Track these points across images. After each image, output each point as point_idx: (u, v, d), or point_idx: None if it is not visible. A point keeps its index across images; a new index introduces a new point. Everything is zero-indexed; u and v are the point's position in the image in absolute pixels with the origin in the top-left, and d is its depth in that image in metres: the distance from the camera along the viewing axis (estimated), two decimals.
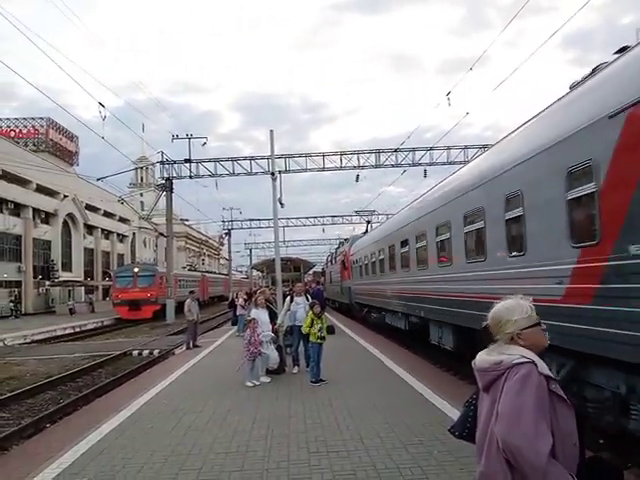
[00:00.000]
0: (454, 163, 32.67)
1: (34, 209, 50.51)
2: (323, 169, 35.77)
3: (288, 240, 70.43)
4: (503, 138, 8.92)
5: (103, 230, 66.16)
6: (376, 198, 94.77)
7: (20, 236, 48.84)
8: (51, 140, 61.53)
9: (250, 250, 75.02)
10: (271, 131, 13.45)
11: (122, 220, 70.93)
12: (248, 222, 58.98)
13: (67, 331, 31.53)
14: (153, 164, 40.64)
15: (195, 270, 63.69)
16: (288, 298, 11.59)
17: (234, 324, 23.41)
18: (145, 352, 19.02)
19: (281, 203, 14.52)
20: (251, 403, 8.17)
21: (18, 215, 48.72)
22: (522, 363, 2.10)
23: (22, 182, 47.78)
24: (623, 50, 5.82)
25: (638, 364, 4.79)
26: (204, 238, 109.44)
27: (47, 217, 53.84)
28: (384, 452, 5.53)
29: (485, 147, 30.12)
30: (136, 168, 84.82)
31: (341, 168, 35.69)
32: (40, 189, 50.96)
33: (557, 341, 5.61)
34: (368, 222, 37.98)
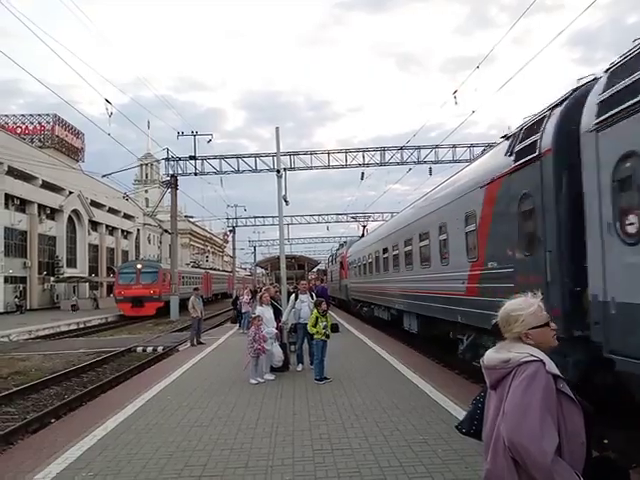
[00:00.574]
0: (459, 161, 32.61)
1: (39, 205, 50.68)
2: (328, 167, 35.76)
3: (292, 238, 70.45)
4: (436, 187, 13.45)
5: (108, 226, 66.34)
6: (381, 196, 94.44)
7: (25, 232, 49.03)
8: (57, 136, 61.69)
9: (254, 247, 75.12)
10: (277, 128, 13.41)
11: (127, 217, 71.10)
12: (252, 219, 59.02)
13: (72, 327, 31.68)
14: (158, 161, 40.75)
15: (199, 267, 63.68)
16: (293, 296, 11.59)
17: (234, 322, 23.15)
18: (149, 349, 19.05)
19: (286, 201, 14.46)
20: (255, 400, 8.18)
21: (24, 211, 48.90)
22: (530, 361, 2.10)
23: (28, 178, 47.95)
24: (505, 137, 8.53)
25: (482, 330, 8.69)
26: (208, 235, 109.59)
27: (52, 213, 54.02)
28: (388, 450, 5.53)
29: (491, 145, 30.05)
30: (141, 165, 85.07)
31: (346, 166, 35.68)
32: (46, 185, 51.12)
33: (464, 320, 9.78)
34: (364, 227, 41.38)
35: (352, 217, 51.60)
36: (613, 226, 5.41)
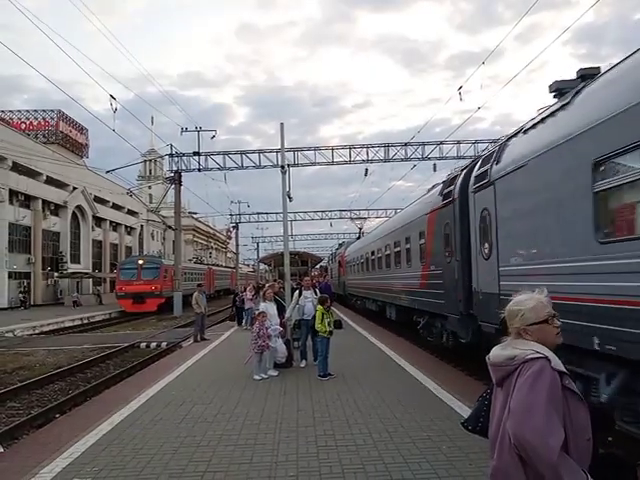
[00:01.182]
0: (464, 157, 32.48)
1: (43, 201, 50.74)
2: (332, 163, 35.68)
3: (296, 234, 70.52)
4: (406, 206, 18.23)
5: (111, 222, 66.40)
6: (385, 193, 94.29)
7: (30, 227, 49.13)
8: (61, 132, 61.73)
9: (257, 244, 75.13)
10: (281, 124, 13.37)
11: (130, 212, 71.16)
12: (256, 216, 58.96)
13: (75, 323, 31.77)
14: (162, 157, 40.70)
15: (201, 263, 63.52)
16: (297, 292, 11.59)
17: (232, 319, 22.53)
18: (153, 344, 19.11)
19: (290, 197, 14.44)
20: (259, 396, 8.20)
21: (28, 207, 48.99)
22: (535, 358, 2.09)
23: (32, 174, 48.00)
24: (442, 182, 12.39)
25: (443, 315, 11.43)
26: (212, 231, 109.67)
27: (56, 209, 54.09)
28: (393, 447, 5.54)
29: (495, 141, 29.99)
30: (145, 161, 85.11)
31: (350, 162, 35.58)
32: (50, 181, 51.18)
33: (418, 306, 13.70)
34: (360, 229, 44.41)
35: (350, 218, 54.19)
36: (479, 249, 9.09)
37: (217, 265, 78.99)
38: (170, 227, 41.06)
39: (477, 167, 9.35)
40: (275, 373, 9.99)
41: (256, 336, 9.81)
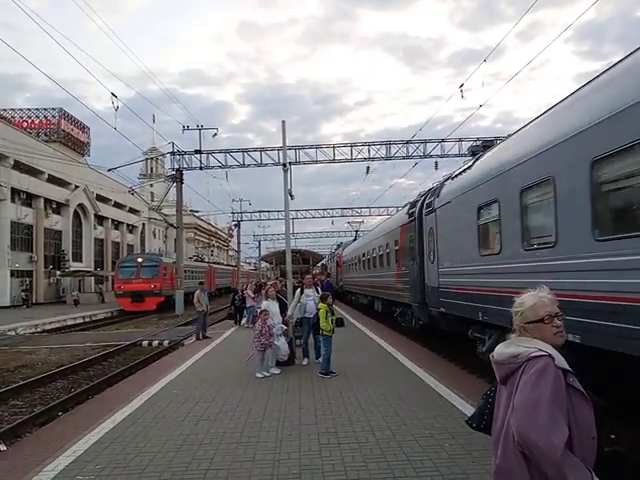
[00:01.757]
0: (465, 155, 32.38)
1: (45, 199, 50.80)
2: (333, 161, 35.69)
3: (297, 232, 70.53)
4: (388, 218, 24.63)
5: (113, 221, 66.49)
6: (386, 191, 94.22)
7: (32, 226, 49.20)
8: (63, 131, 61.79)
9: (259, 242, 75.17)
10: (283, 122, 13.37)
11: (132, 211, 71.22)
12: (257, 214, 58.98)
13: (77, 321, 31.83)
14: (163, 155, 40.67)
15: (202, 261, 63.13)
16: (298, 290, 11.59)
17: (231, 318, 22.01)
18: (155, 342, 19.14)
19: (291, 195, 14.44)
20: (261, 394, 8.21)
21: (30, 205, 49.06)
22: (539, 356, 2.09)
23: (34, 172, 48.04)
24: (410, 203, 16.04)
25: (410, 304, 15.15)
26: (213, 229, 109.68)
27: (58, 207, 54.16)
28: (395, 444, 5.54)
29: (497, 139, 29.90)
30: (146, 159, 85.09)
31: (351, 160, 35.58)
32: (52, 179, 51.22)
33: (395, 299, 17.60)
34: (356, 231, 47.92)
35: (348, 222, 57.96)
36: (428, 255, 12.62)
37: (218, 263, 78.81)
38: (172, 225, 41.04)
39: (427, 197, 13.18)
40: (277, 371, 9.99)
41: (258, 334, 9.81)
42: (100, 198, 60.94)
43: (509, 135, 9.21)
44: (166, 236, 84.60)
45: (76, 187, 55.44)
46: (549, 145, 6.76)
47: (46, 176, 50.10)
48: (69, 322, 30.64)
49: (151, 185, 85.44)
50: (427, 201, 12.90)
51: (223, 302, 45.58)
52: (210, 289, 50.72)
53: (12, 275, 45.61)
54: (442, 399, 7.42)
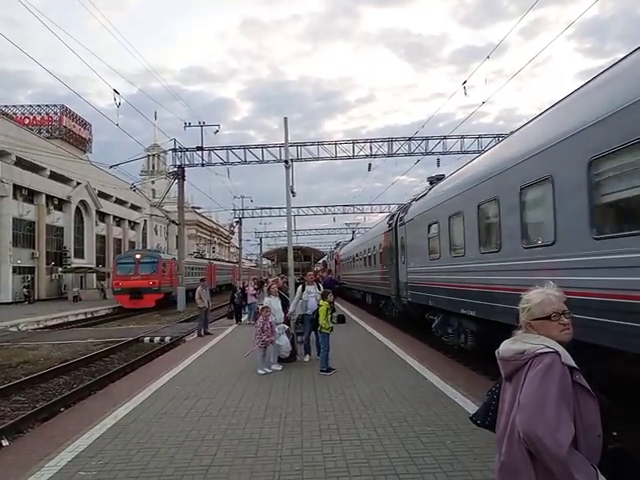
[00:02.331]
0: (468, 152, 32.43)
1: (47, 196, 50.88)
2: (335, 158, 35.65)
3: (299, 229, 70.41)
4: (374, 226, 28.29)
5: (115, 217, 66.57)
6: (388, 188, 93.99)
7: (33, 222, 49.28)
8: (65, 127, 61.84)
9: (260, 239, 75.18)
10: (285, 118, 13.37)
11: (134, 207, 71.31)
12: (259, 211, 58.96)
13: (79, 317, 31.91)
14: (165, 152, 40.71)
15: (202, 257, 62.67)
16: (300, 287, 11.59)
17: (230, 317, 21.38)
18: (157, 339, 19.18)
19: (293, 192, 14.45)
20: (263, 390, 8.21)
21: (32, 202, 49.13)
22: (545, 353, 2.07)
23: (36, 169, 48.10)
24: (391, 215, 20.37)
25: (386, 296, 19.82)
26: (215, 226, 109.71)
27: (60, 204, 54.24)
28: (397, 441, 5.54)
29: (499, 136, 29.91)
30: (148, 155, 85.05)
31: (353, 157, 35.54)
32: (53, 176, 51.28)
33: (381, 293, 21.07)
34: (353, 232, 51.76)
35: (346, 224, 63.59)
36: (401, 257, 16.32)
37: (219, 260, 78.62)
38: (173, 222, 41.01)
39: (400, 212, 17.18)
40: (279, 367, 10.00)
41: (260, 331, 9.81)
42: (102, 195, 61.01)
43: (456, 170, 12.32)
44: (168, 233, 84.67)
45: (78, 184, 55.50)
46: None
47: (48, 173, 50.15)
48: (71, 318, 30.72)
49: (152, 182, 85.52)
50: (400, 215, 16.80)
51: (224, 299, 45.49)
52: (210, 286, 50.56)
53: (14, 271, 45.70)
54: (444, 396, 7.41)
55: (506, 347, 2.26)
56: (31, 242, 49.00)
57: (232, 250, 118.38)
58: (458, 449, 5.24)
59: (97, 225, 61.48)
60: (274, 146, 34.45)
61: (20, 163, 45.59)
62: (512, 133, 9.11)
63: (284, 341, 10.31)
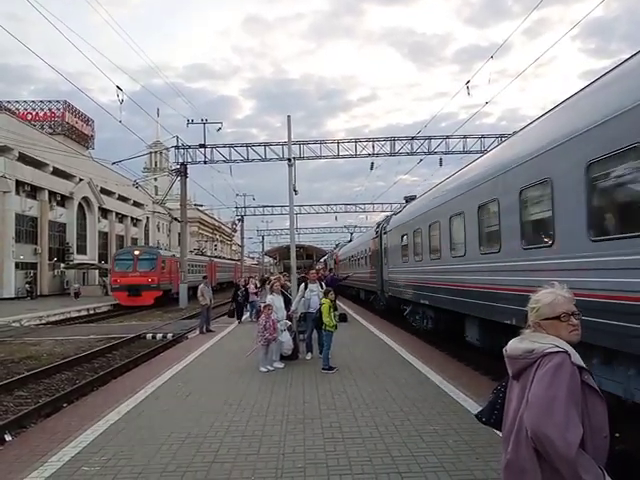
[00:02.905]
0: (470, 152, 32.39)
1: (50, 192, 50.94)
2: (338, 156, 35.65)
3: (301, 227, 70.49)
4: (364, 233, 37.17)
5: (117, 214, 66.62)
6: (391, 187, 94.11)
7: (36, 218, 49.37)
8: (67, 123, 61.89)
9: (262, 237, 75.20)
10: (288, 117, 13.37)
11: (136, 204, 71.36)
12: (261, 209, 59.02)
13: (82, 313, 31.96)
14: (168, 149, 40.71)
15: (203, 254, 62.12)
16: (302, 285, 11.60)
17: (231, 315, 20.77)
18: (159, 335, 19.20)
19: (295, 190, 14.45)
20: (265, 388, 8.23)
21: (34, 197, 49.20)
22: (555, 352, 2.07)
23: (39, 165, 48.17)
24: (378, 224, 24.48)
25: (374, 292, 24.22)
26: (217, 224, 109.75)
27: (63, 200, 54.30)
28: (399, 440, 5.54)
29: (502, 136, 29.90)
30: (150, 152, 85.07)
31: (356, 155, 35.55)
32: (56, 172, 51.35)
33: (370, 289, 25.46)
34: (351, 233, 58.35)
35: (345, 226, 69.00)
36: (383, 260, 20.69)
37: (220, 257, 78.32)
38: (176, 219, 41.01)
39: (384, 222, 21.19)
40: (281, 365, 10.01)
41: (262, 328, 9.82)
42: (104, 191, 61.08)
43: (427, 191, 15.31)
44: (170, 230, 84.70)
45: (80, 180, 55.57)
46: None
47: (50, 169, 50.23)
48: (73, 314, 30.78)
49: (155, 179, 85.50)
50: (384, 225, 20.99)
51: (226, 296, 45.35)
52: (211, 283, 50.11)
53: (17, 267, 45.81)
54: (446, 395, 7.41)
55: (514, 345, 2.26)
56: (34, 238, 49.09)
57: (234, 248, 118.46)
58: (460, 448, 5.24)
59: (99, 222, 61.55)
60: (277, 144, 34.48)
61: (23, 159, 45.64)
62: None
63: (286, 337, 10.32)
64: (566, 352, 2.07)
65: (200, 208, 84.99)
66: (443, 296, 11.65)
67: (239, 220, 62.31)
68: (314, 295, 11.19)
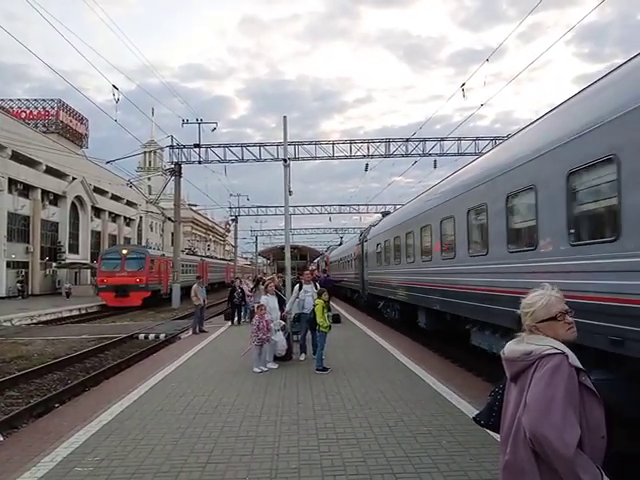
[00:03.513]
0: (465, 154, 32.49)
1: (43, 190, 50.65)
2: (332, 157, 35.65)
3: (295, 228, 70.38)
4: (351, 239, 38.62)
5: (110, 213, 66.33)
6: (385, 189, 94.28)
7: (28, 217, 49.08)
8: (61, 122, 61.60)
9: (256, 237, 75.06)
10: (284, 117, 13.35)
11: (130, 204, 71.05)
12: (255, 209, 58.91)
13: (73, 313, 31.77)
14: (162, 148, 40.53)
15: (194, 254, 61.31)
16: (297, 286, 11.59)
17: (228, 318, 20.30)
18: (151, 336, 19.12)
19: (290, 191, 14.42)
20: (259, 389, 8.21)
21: (27, 196, 48.91)
22: (553, 354, 2.08)
23: (32, 163, 47.88)
24: (361, 232, 28.93)
25: (357, 290, 28.16)
26: (210, 224, 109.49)
27: (55, 199, 53.99)
28: (393, 441, 5.54)
29: (496, 139, 30.04)
30: (145, 152, 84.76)
31: (350, 157, 35.56)
32: (49, 171, 51.07)
33: (355, 288, 28.81)
34: (341, 237, 61.08)
35: (335, 229, 70.16)
36: (365, 264, 24.46)
37: (212, 257, 77.67)
38: (169, 219, 40.82)
39: (365, 231, 25.17)
40: (275, 366, 10.00)
41: (256, 329, 9.80)
42: (97, 190, 60.79)
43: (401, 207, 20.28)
44: (163, 229, 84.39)
45: (73, 179, 55.29)
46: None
47: (44, 167, 49.95)
48: (65, 314, 30.59)
49: (149, 178, 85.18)
50: (365, 234, 24.93)
51: (218, 297, 45.11)
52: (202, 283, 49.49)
53: (8, 266, 45.49)
54: (440, 397, 7.42)
55: (511, 348, 2.27)
56: (26, 237, 48.79)
57: (227, 248, 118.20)
58: (454, 449, 5.25)
59: (92, 221, 61.25)
60: (272, 145, 34.44)
61: (16, 157, 45.36)
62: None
63: (280, 337, 10.31)
64: (564, 354, 2.08)
65: (194, 208, 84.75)
66: (403, 292, 15.58)
67: (233, 220, 62.12)
68: (308, 296, 11.19)
